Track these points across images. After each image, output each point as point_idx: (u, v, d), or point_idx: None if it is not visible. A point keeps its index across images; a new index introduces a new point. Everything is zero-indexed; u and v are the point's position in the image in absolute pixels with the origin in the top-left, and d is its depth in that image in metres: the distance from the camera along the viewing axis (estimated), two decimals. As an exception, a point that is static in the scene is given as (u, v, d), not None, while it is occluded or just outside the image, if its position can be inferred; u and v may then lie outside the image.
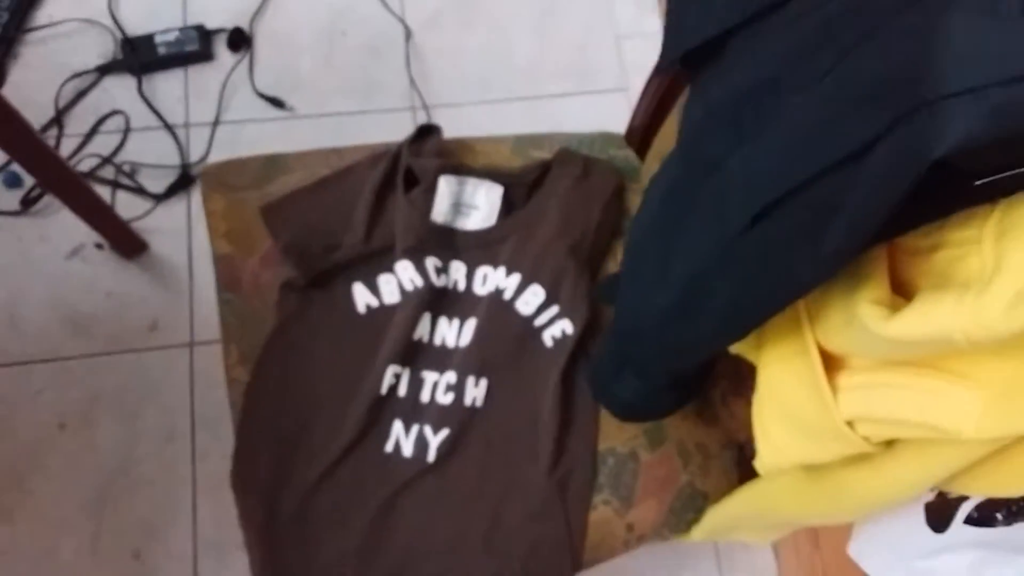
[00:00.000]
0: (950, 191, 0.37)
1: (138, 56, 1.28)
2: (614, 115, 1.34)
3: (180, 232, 1.24)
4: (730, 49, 0.43)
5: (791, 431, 0.48)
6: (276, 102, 1.30)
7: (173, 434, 1.14)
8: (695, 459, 0.73)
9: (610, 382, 0.62)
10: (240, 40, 1.32)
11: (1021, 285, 0.33)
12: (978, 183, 0.36)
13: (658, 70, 0.73)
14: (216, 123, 1.29)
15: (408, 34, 1.36)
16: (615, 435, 0.72)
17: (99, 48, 1.31)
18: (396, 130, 1.29)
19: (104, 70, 1.29)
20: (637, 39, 1.41)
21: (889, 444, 0.46)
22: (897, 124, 0.32)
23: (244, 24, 1.33)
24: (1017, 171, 0.35)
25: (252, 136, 1.29)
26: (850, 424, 0.44)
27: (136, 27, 1.32)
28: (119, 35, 1.30)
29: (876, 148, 0.33)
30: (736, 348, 0.53)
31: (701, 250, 0.41)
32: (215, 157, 1.27)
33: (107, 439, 1.13)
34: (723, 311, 0.42)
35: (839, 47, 0.36)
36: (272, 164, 0.79)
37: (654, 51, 1.44)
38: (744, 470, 0.72)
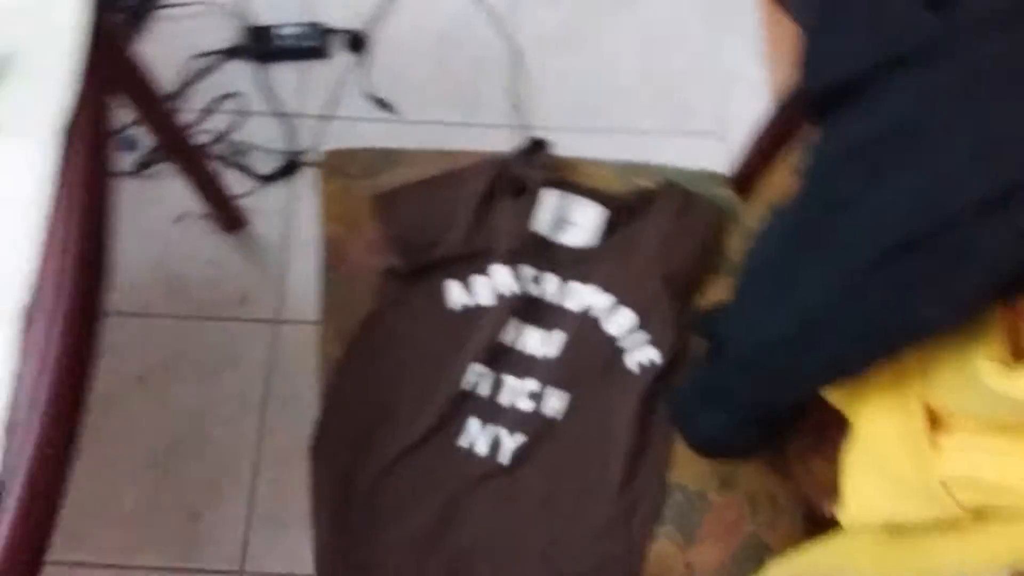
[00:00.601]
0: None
1: (261, 45, 1.35)
2: (707, 157, 1.36)
3: (279, 215, 1.29)
4: (869, 92, 0.44)
5: (883, 487, 0.48)
6: (384, 104, 1.35)
7: (245, 405, 1.18)
8: (764, 510, 0.72)
9: (695, 413, 0.63)
10: (358, 42, 1.38)
11: None
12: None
13: (774, 112, 0.74)
14: (325, 117, 1.34)
15: (517, 54, 1.40)
16: (687, 471, 0.72)
17: (225, 32, 1.38)
18: (494, 144, 1.33)
19: (228, 54, 1.36)
20: (741, 85, 1.42)
21: (978, 513, 0.46)
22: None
23: (363, 27, 1.39)
24: None
25: (358, 133, 1.34)
26: (944, 485, 0.44)
27: (263, 17, 1.39)
28: (246, 23, 1.38)
29: (1017, 197, 0.34)
30: (833, 397, 0.53)
31: (825, 285, 0.42)
32: (322, 149, 1.32)
33: (182, 400, 1.18)
34: (841, 346, 0.43)
35: (986, 94, 0.37)
36: (387, 158, 0.83)
37: (756, 98, 1.45)
38: (814, 530, 0.71)
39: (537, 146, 0.80)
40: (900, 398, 0.46)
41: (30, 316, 0.47)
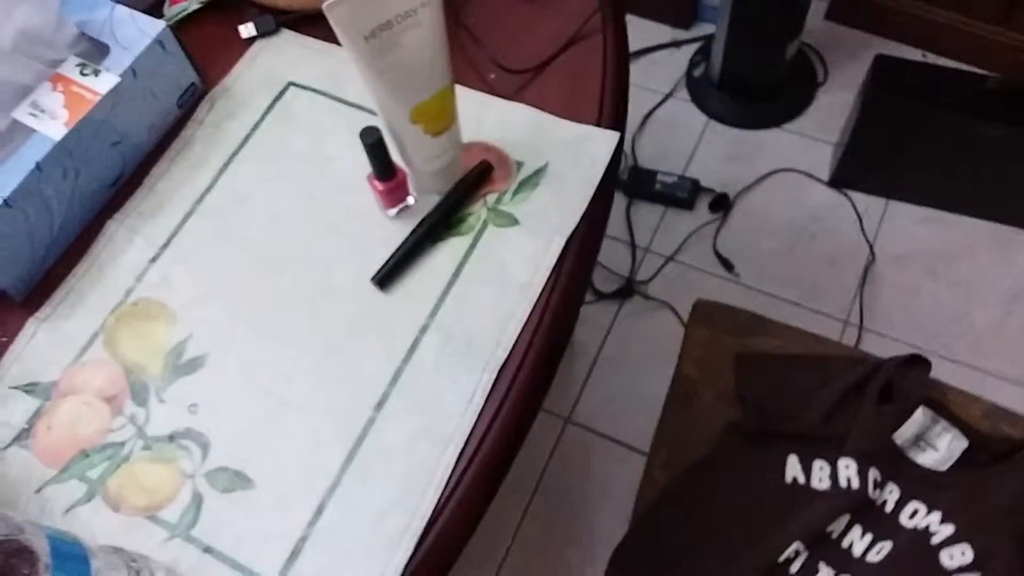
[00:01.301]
0: None
1: (638, 184, 1.52)
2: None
3: (601, 329, 1.41)
4: None
5: None
6: (727, 264, 1.44)
7: (520, 484, 1.28)
8: None
9: None
10: (721, 204, 1.50)
11: None
12: None
13: None
14: (670, 259, 1.46)
15: (871, 260, 1.43)
16: None
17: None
18: (822, 333, 1.36)
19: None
20: (1108, 362, 1.32)
21: None
22: None
23: (731, 192, 1.51)
24: None
25: (694, 282, 1.44)
26: None
27: (645, 161, 1.56)
28: (631, 162, 1.56)
29: None
30: None
31: None
32: (657, 284, 1.44)
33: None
34: None
35: None
36: (756, 322, 0.90)
37: None
38: None
39: (916, 361, 0.82)
40: None
41: (501, 370, 0.59)
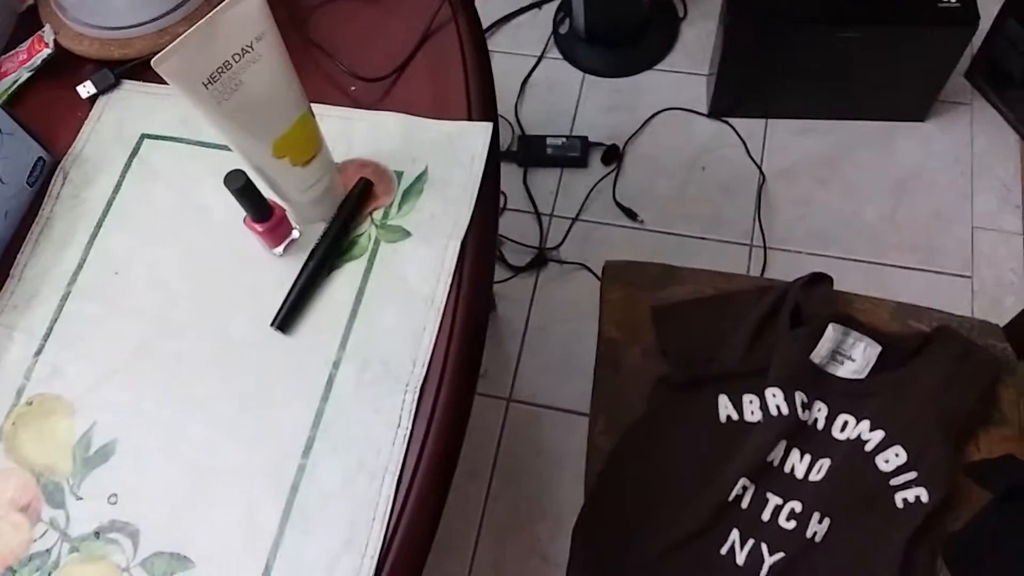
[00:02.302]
0: None
1: (529, 152, 1.52)
2: (953, 298, 1.35)
3: (523, 303, 1.42)
4: None
5: None
6: (630, 213, 1.46)
7: (475, 473, 1.28)
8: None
9: (978, 559, 0.64)
10: (613, 155, 1.51)
11: None
12: None
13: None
14: (575, 219, 1.47)
15: (762, 180, 1.47)
16: (946, 616, 0.72)
17: (500, 137, 1.56)
18: (731, 262, 1.41)
19: (500, 157, 1.53)
20: (993, 232, 1.40)
21: None
22: None
23: (620, 142, 1.52)
24: None
25: (602, 237, 1.45)
26: None
27: (531, 127, 1.56)
28: (519, 131, 1.55)
29: None
30: None
31: None
32: (568, 247, 1.45)
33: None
34: None
35: None
36: (667, 273, 0.91)
37: (1008, 248, 1.43)
38: None
39: (819, 279, 0.85)
40: None
41: (423, 388, 0.58)
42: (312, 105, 0.58)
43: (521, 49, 1.66)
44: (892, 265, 1.38)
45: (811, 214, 1.44)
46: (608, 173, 1.51)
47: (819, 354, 0.80)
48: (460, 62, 0.72)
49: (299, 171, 0.59)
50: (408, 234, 0.63)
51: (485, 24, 1.66)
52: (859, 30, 1.30)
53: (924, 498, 0.74)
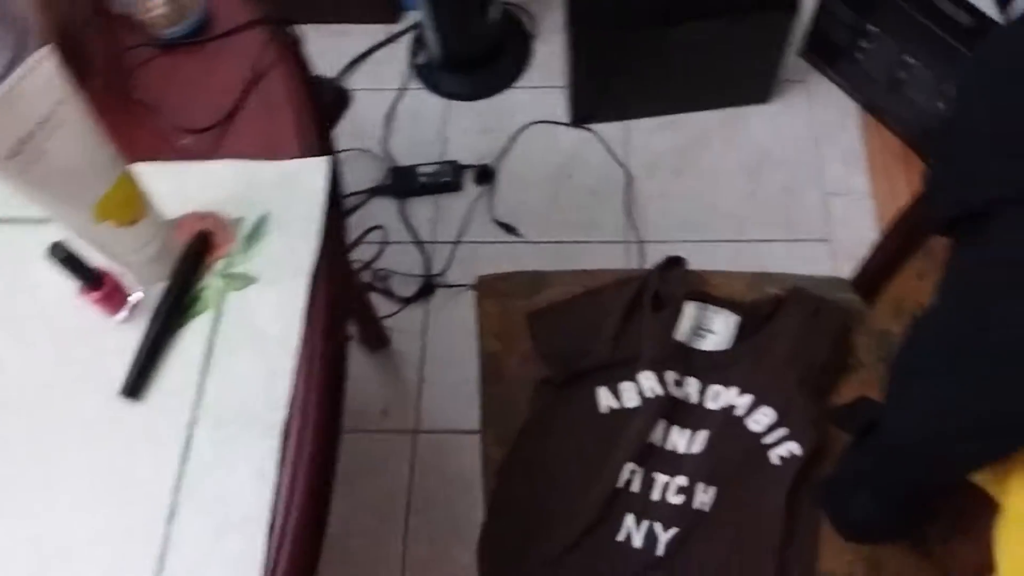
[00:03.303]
0: None
1: (402, 183, 1.53)
2: (815, 261, 1.43)
3: (416, 333, 1.42)
4: (1009, 213, 0.50)
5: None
6: (509, 228, 1.49)
7: (390, 512, 1.27)
8: (913, 595, 0.75)
9: (844, 500, 0.68)
10: (485, 175, 1.54)
11: None
12: None
13: (897, 225, 0.81)
14: (457, 242, 1.49)
15: (629, 179, 1.53)
16: (834, 559, 0.76)
17: (371, 173, 1.57)
18: (611, 260, 1.45)
19: (373, 192, 1.54)
20: (844, 196, 1.50)
21: None
22: None
23: (490, 162, 1.55)
24: None
25: (486, 255, 1.48)
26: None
27: (402, 159, 1.57)
28: (388, 164, 1.56)
29: None
30: (979, 478, 0.58)
31: (980, 385, 0.48)
32: (454, 271, 1.46)
33: (331, 508, 1.28)
34: (995, 435, 0.48)
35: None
36: (537, 279, 0.94)
37: (860, 207, 1.52)
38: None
39: (673, 262, 0.89)
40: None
41: (287, 431, 0.58)
42: (143, 162, 0.58)
43: (382, 84, 1.67)
44: (757, 240, 1.45)
45: (677, 204, 1.50)
46: (483, 193, 1.53)
47: (682, 332, 0.84)
48: (290, 102, 0.72)
49: (127, 233, 0.59)
50: (254, 279, 0.63)
51: (343, 64, 1.69)
52: (693, 25, 1.37)
53: (797, 451, 0.78)
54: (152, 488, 0.56)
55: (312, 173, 0.67)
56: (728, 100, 1.57)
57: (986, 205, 0.48)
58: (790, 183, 1.51)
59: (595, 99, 1.55)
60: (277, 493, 0.56)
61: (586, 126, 1.59)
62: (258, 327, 0.61)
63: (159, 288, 0.63)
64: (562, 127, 1.60)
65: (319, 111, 0.73)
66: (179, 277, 0.62)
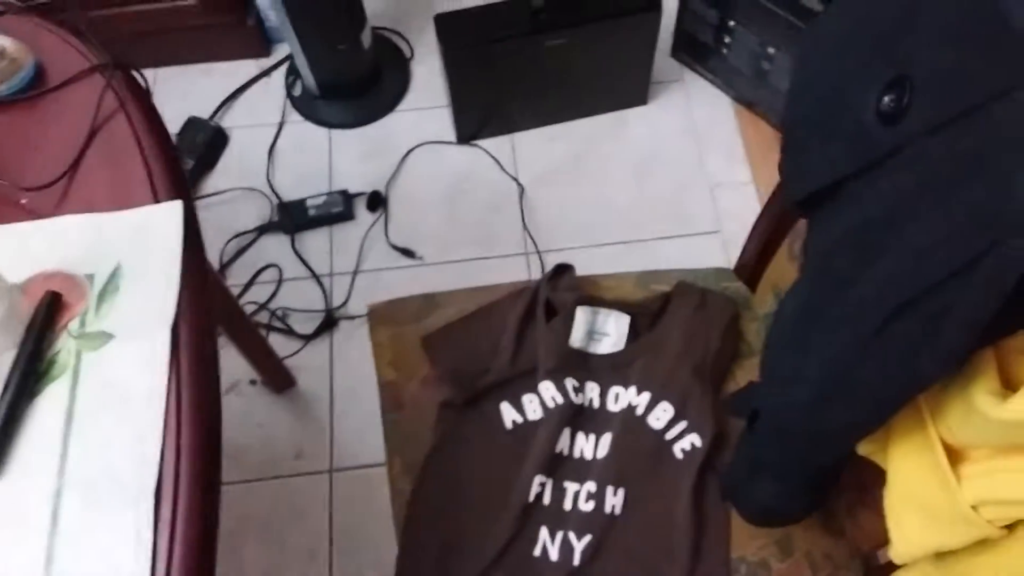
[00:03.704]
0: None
1: (292, 218, 1.49)
2: (709, 254, 1.47)
3: (323, 369, 1.38)
4: (847, 190, 0.53)
5: (922, 520, 0.54)
6: (408, 252, 1.47)
7: (314, 555, 1.22)
8: (824, 569, 0.76)
9: (746, 486, 0.68)
10: (377, 201, 1.52)
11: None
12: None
13: (767, 211, 0.84)
14: (356, 272, 1.46)
15: (521, 191, 1.53)
16: (746, 544, 0.77)
17: (258, 211, 1.52)
18: (512, 273, 1.45)
19: (262, 230, 1.49)
20: (728, 187, 1.54)
21: (1012, 528, 0.51)
22: (994, 246, 0.40)
23: (381, 187, 1.53)
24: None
25: (387, 282, 1.45)
26: (975, 509, 0.50)
27: (290, 193, 1.53)
28: (276, 200, 1.52)
29: (978, 265, 0.41)
30: (864, 450, 0.59)
31: (837, 352, 0.49)
32: (355, 302, 1.43)
33: (253, 559, 1.23)
34: (858, 402, 0.49)
35: (943, 188, 0.46)
36: (428, 301, 0.92)
37: (743, 197, 1.58)
38: (873, 580, 0.75)
39: (562, 270, 0.89)
40: (921, 439, 0.52)
41: (160, 491, 0.54)
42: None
43: (261, 119, 1.63)
44: (651, 239, 1.48)
45: (571, 211, 1.52)
46: (376, 219, 1.51)
47: (577, 338, 0.84)
48: (137, 148, 0.69)
49: (-38, 303, 0.54)
50: (111, 336, 0.60)
51: (215, 103, 1.64)
52: (562, 35, 1.39)
53: (698, 443, 0.79)
54: (20, 568, 0.52)
55: (165, 219, 0.64)
56: (609, 105, 1.60)
57: (816, 189, 0.50)
58: (678, 180, 1.55)
59: (479, 115, 1.55)
60: (155, 556, 0.52)
61: (473, 143, 1.59)
62: (120, 386, 0.57)
63: (9, 357, 0.58)
64: (450, 146, 1.59)
65: (170, 153, 0.70)
66: (30, 343, 0.58)
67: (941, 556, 0.55)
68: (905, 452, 0.54)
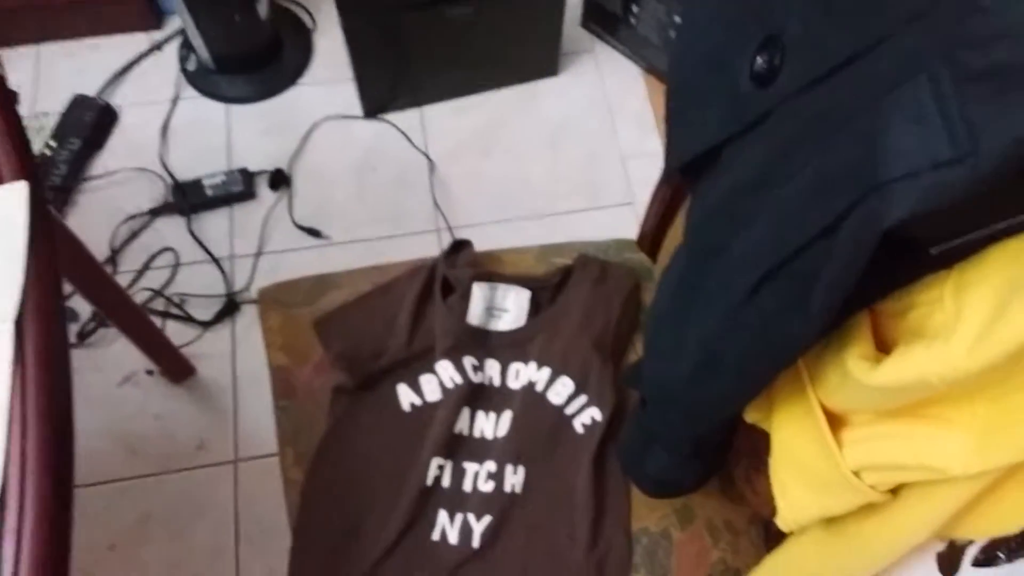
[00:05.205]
0: (914, 261, 0.44)
1: (188, 198, 1.41)
2: (622, 225, 1.46)
3: (225, 356, 1.32)
4: (723, 157, 0.52)
5: (806, 486, 0.54)
6: (313, 232, 1.42)
7: (219, 550, 1.18)
8: (724, 536, 0.77)
9: (640, 459, 0.68)
10: (280, 179, 1.45)
11: (978, 330, 0.40)
12: (934, 252, 0.43)
13: (663, 180, 0.83)
14: (258, 254, 1.40)
15: (431, 166, 1.49)
16: (647, 515, 0.77)
17: (151, 193, 1.44)
18: (423, 250, 1.40)
19: (156, 212, 1.41)
20: (640, 158, 1.54)
21: (895, 492, 0.51)
22: (856, 205, 0.40)
23: (283, 165, 1.47)
24: (963, 239, 0.42)
25: (292, 264, 1.40)
26: (857, 474, 0.50)
27: (185, 173, 1.45)
28: (170, 181, 1.44)
29: (842, 225, 0.41)
30: (751, 417, 0.59)
31: (712, 321, 0.48)
32: (258, 285, 1.37)
33: (155, 557, 1.17)
34: (735, 371, 0.49)
35: (809, 149, 0.45)
36: (321, 282, 0.88)
37: (655, 167, 1.58)
38: (772, 545, 0.76)
39: (460, 246, 0.86)
40: (802, 406, 0.52)
41: (2, 500, 0.50)
42: None
43: (153, 96, 1.54)
44: (564, 212, 1.47)
45: (483, 186, 1.49)
46: (280, 198, 1.45)
47: (475, 315, 0.81)
48: (-24, 124, 0.62)
49: None
50: (-56, 332, 0.54)
51: (104, 79, 1.54)
52: (467, 4, 1.35)
53: (598, 417, 0.78)
54: None
55: (6, 201, 0.58)
56: (519, 77, 1.57)
57: (693, 157, 0.49)
58: (590, 152, 1.54)
59: (385, 88, 1.50)
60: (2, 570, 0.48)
61: (381, 117, 1.54)
62: (-45, 387, 0.52)
63: None
64: (356, 120, 1.54)
65: (15, 130, 0.63)
66: None
67: (831, 521, 0.55)
68: (787, 419, 0.54)
